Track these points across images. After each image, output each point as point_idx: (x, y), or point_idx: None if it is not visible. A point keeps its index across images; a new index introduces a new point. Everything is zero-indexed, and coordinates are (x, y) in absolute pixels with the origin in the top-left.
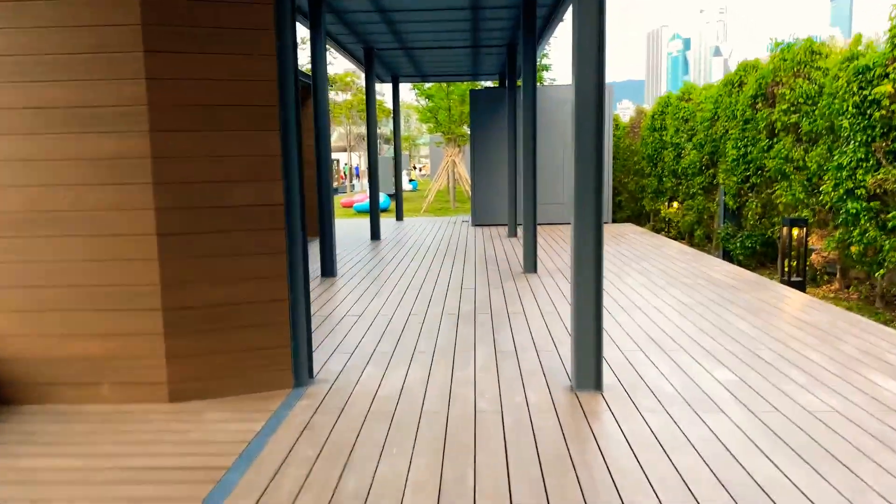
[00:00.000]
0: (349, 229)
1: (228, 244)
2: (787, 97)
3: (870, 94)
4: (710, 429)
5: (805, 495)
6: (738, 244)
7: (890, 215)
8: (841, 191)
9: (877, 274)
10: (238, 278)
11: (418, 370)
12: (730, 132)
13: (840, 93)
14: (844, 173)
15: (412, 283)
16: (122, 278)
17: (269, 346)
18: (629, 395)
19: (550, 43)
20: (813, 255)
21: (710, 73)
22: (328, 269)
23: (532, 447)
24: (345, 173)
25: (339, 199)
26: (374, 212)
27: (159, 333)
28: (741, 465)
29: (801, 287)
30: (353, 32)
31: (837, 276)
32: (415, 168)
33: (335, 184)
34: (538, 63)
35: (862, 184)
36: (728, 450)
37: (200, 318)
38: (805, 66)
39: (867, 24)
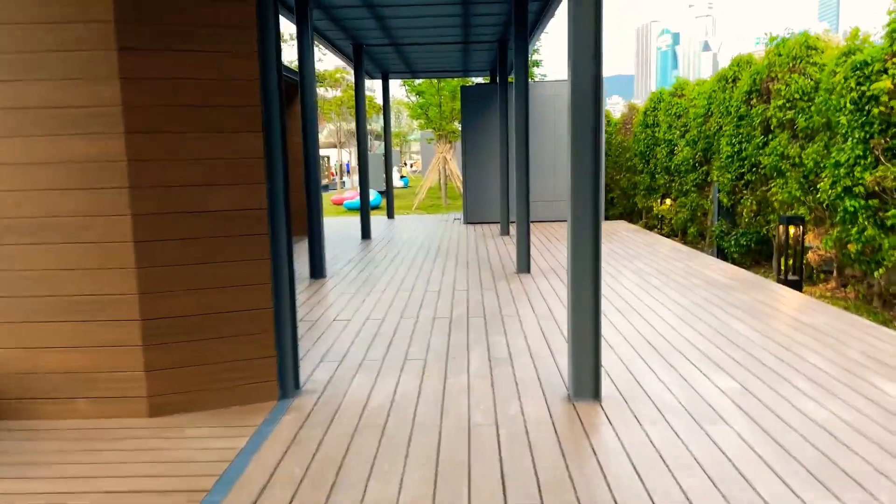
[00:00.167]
0: (339, 227)
1: (209, 251)
2: (782, 93)
3: (868, 90)
4: (715, 443)
5: None
6: (732, 242)
7: (889, 213)
8: (839, 188)
9: (876, 273)
10: (220, 286)
11: (410, 378)
12: (724, 128)
13: (837, 88)
14: (842, 171)
15: (403, 284)
16: (97, 287)
17: (253, 356)
18: (628, 404)
19: (541, 39)
20: (809, 254)
21: (699, 69)
22: (317, 271)
23: (529, 463)
24: (335, 170)
25: (329, 196)
26: (364, 210)
27: (137, 345)
28: (750, 484)
29: (797, 286)
30: (341, 28)
31: (834, 274)
32: (406, 164)
33: (325, 181)
34: (529, 59)
35: (860, 181)
36: (735, 466)
37: (180, 328)
38: (801, 61)
39: (854, 20)
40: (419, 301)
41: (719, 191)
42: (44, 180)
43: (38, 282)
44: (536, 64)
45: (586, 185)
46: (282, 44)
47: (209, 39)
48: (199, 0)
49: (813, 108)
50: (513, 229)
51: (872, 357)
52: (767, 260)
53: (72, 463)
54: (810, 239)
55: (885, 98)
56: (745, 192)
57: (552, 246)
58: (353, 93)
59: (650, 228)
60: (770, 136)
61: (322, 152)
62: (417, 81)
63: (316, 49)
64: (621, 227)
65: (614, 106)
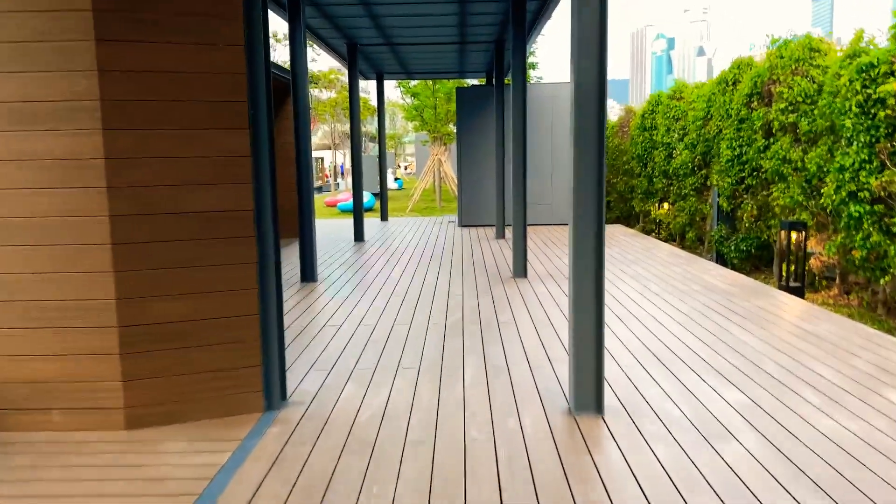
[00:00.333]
0: (332, 230)
1: (192, 254)
2: (784, 96)
3: (874, 93)
4: (724, 460)
5: None
6: (732, 247)
7: (895, 219)
8: (843, 193)
9: (881, 280)
10: (203, 291)
11: (403, 389)
12: (724, 132)
13: (842, 91)
14: (847, 175)
15: (396, 288)
16: (73, 293)
17: (238, 365)
18: (632, 419)
19: (538, 41)
20: (812, 260)
21: (693, 73)
22: (308, 274)
23: (530, 486)
24: (329, 172)
25: (323, 198)
26: (357, 212)
27: (114, 353)
28: None
29: (799, 293)
30: (335, 26)
31: (837, 281)
32: (400, 166)
33: (319, 182)
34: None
35: (865, 186)
36: (747, 486)
37: (160, 335)
38: (803, 63)
39: (848, 25)
40: (413, 305)
41: (719, 195)
42: (15, 179)
43: (8, 286)
44: (533, 66)
45: (589, 182)
46: (275, 43)
47: (193, 31)
48: None
49: (816, 112)
50: (508, 232)
51: (879, 366)
52: (767, 265)
53: (44, 479)
54: (812, 244)
55: (891, 101)
56: (745, 196)
57: (549, 250)
58: (347, 94)
59: (647, 233)
60: (772, 140)
61: (316, 154)
62: (412, 83)
63: (309, 49)
64: (618, 230)
65: (610, 110)
